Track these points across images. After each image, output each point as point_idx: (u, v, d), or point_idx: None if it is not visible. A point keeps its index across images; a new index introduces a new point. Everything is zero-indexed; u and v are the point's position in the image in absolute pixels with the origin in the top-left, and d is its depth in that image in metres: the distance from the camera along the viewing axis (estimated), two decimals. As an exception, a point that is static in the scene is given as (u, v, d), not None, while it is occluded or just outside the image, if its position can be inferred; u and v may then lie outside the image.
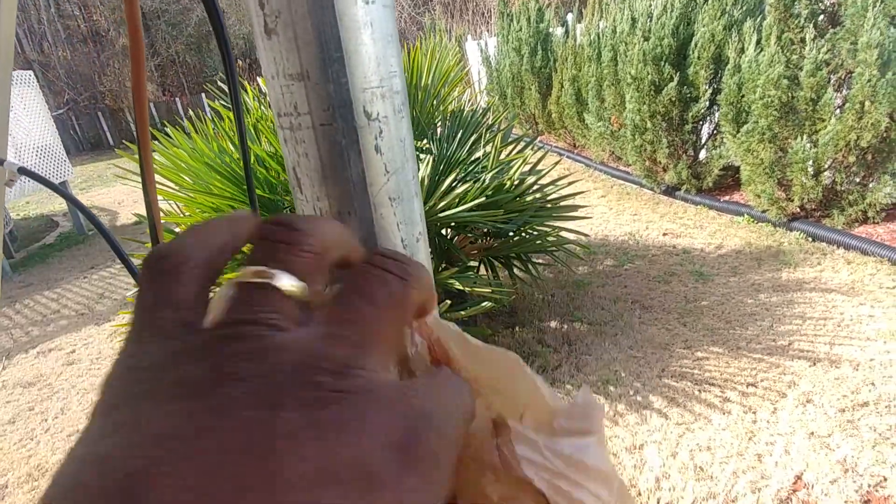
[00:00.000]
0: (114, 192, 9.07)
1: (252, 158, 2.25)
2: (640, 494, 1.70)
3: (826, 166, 3.44)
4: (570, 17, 7.06)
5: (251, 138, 2.28)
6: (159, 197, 2.36)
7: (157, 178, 2.26)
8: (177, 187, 2.22)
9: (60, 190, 0.52)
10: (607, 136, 5.36)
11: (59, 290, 4.54)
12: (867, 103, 3.08)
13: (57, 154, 6.33)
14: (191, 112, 2.89)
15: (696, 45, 4.14)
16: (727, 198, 4.32)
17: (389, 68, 0.25)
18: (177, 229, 2.51)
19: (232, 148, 2.25)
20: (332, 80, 0.23)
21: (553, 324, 2.82)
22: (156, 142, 2.44)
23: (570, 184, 2.91)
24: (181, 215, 2.31)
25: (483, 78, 9.01)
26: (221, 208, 2.10)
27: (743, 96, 3.76)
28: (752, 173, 3.74)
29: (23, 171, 0.54)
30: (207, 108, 2.75)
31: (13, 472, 2.23)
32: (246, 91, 2.57)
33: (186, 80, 21.21)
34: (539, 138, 7.39)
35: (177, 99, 18.73)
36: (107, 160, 12.75)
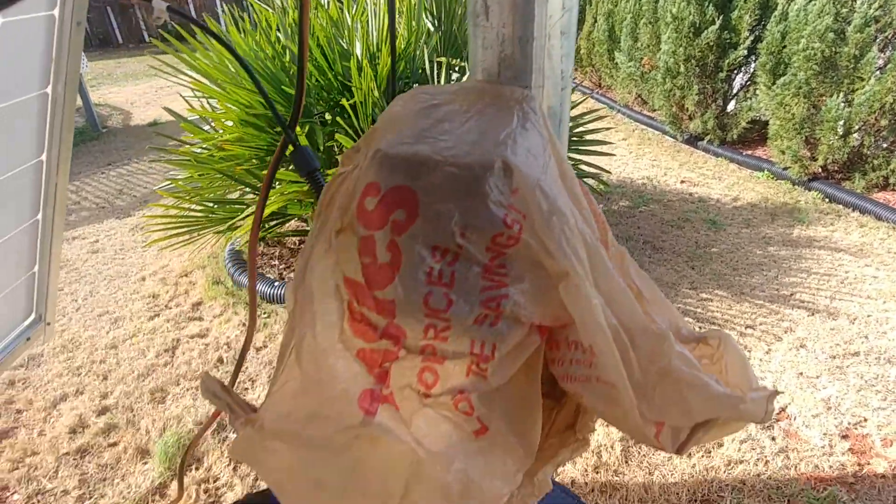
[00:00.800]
0: (125, 92, 8.92)
1: (287, 57, 2.24)
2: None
3: (856, 128, 3.40)
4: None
5: (288, 36, 2.26)
6: (196, 93, 2.36)
7: (192, 73, 2.26)
8: (211, 83, 2.22)
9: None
10: (636, 77, 5.22)
11: (77, 182, 4.60)
12: (911, 64, 3.00)
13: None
14: (226, 7, 2.83)
15: (744, -12, 3.96)
16: (750, 152, 4.28)
17: None
18: (206, 128, 2.53)
19: (268, 46, 2.23)
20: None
21: (564, 256, 2.90)
22: (190, 37, 2.41)
23: (596, 119, 2.90)
24: (212, 111, 2.33)
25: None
26: (254, 105, 2.11)
27: (784, 47, 3.64)
28: (781, 128, 3.69)
29: (171, 9, 0.57)
30: (221, 6, 2.70)
31: (49, 344, 2.38)
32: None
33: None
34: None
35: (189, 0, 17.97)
36: (116, 58, 12.41)
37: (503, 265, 0.29)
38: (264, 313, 2.53)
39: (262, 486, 1.63)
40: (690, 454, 1.70)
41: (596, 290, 0.29)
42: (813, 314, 2.34)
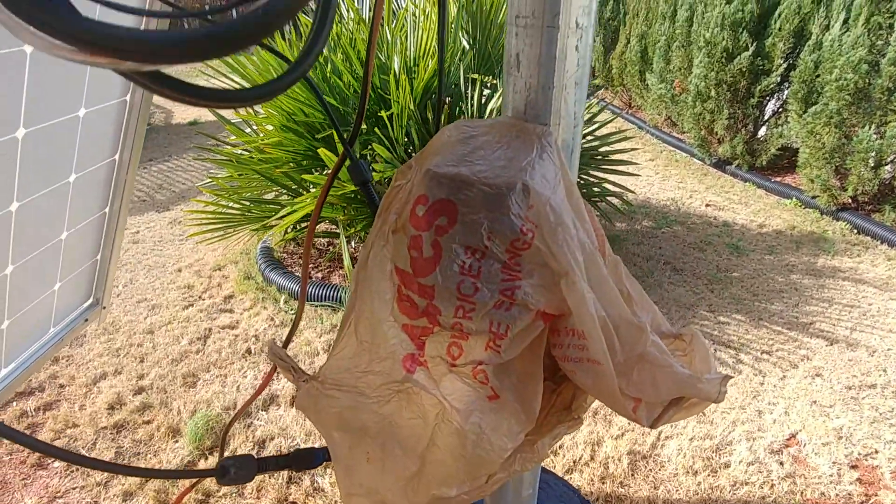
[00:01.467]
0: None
1: (329, 68, 2.36)
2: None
3: (888, 160, 3.38)
4: (650, -32, 6.72)
5: (331, 49, 2.38)
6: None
7: (232, 77, 2.40)
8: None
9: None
10: (666, 99, 5.26)
11: (121, 175, 4.83)
12: (947, 99, 2.99)
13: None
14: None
15: (779, 16, 3.98)
16: (778, 179, 4.28)
17: (592, 5, 0.37)
18: (247, 131, 2.67)
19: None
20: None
21: (585, 272, 2.95)
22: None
23: (621, 140, 2.96)
24: (255, 115, 2.46)
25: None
26: (295, 112, 2.23)
27: (818, 76, 3.65)
28: (811, 157, 3.69)
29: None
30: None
31: (90, 327, 2.53)
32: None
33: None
34: (596, 94, 7.24)
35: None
36: (164, 58, 12.88)
37: (518, 263, 0.38)
38: (291, 310, 2.64)
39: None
40: (697, 472, 1.73)
41: (589, 287, 0.37)
42: (832, 344, 2.34)
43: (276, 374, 2.09)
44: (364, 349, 0.44)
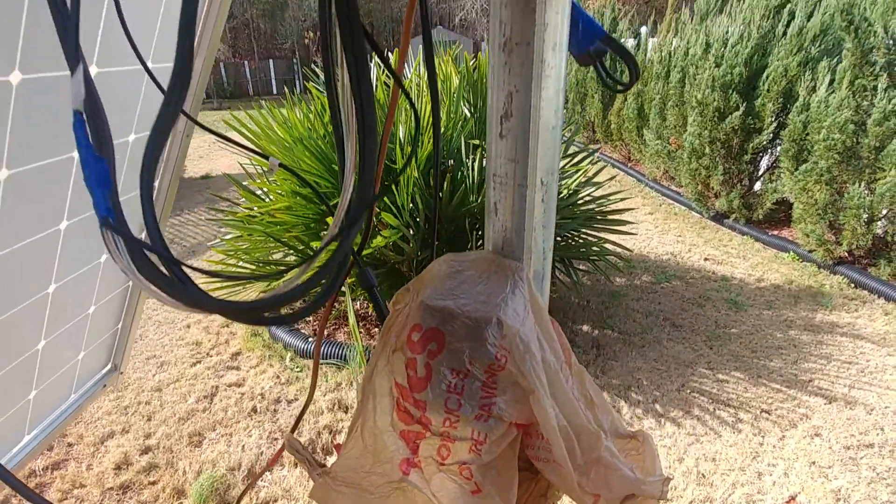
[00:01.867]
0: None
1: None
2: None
3: (880, 215, 3.47)
4: (643, 30, 7.07)
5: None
6: (249, 161, 2.63)
7: (245, 142, 2.55)
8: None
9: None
10: (663, 154, 5.43)
11: (135, 230, 4.98)
12: (930, 160, 3.10)
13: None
14: (285, 87, 3.18)
15: (767, 78, 4.18)
16: (775, 232, 4.36)
17: (554, 167, 0.46)
18: (258, 192, 2.80)
19: (321, 127, 2.51)
20: (530, 162, 0.45)
21: (585, 328, 3.00)
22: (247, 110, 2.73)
23: (621, 199, 3.07)
24: (268, 182, 2.60)
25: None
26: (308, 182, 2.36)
27: (807, 135, 3.80)
28: (805, 212, 3.79)
29: (282, 165, 0.78)
30: (299, 85, 3.03)
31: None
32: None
33: (257, 45, 21.96)
34: (595, 147, 7.46)
35: (245, 62, 19.46)
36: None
37: (495, 382, 0.46)
38: (297, 367, 2.69)
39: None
40: (698, 536, 1.73)
41: (553, 402, 0.45)
42: (830, 402, 2.36)
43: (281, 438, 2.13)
44: (368, 452, 0.52)
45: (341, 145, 0.43)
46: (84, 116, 0.27)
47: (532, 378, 0.44)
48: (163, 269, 0.29)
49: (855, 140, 3.46)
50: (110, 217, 0.27)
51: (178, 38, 0.28)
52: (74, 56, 0.27)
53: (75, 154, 0.96)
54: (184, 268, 0.30)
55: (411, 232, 2.28)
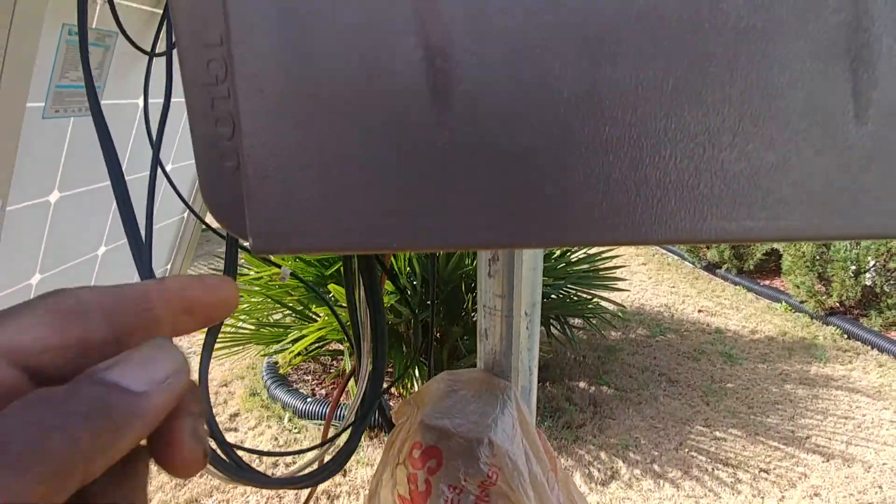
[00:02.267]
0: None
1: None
2: (645, 555, 1.87)
3: (867, 267, 3.56)
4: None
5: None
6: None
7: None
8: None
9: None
10: (655, 206, 5.56)
11: (134, 285, 5.02)
12: (910, 215, 3.21)
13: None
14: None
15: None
16: (767, 282, 4.44)
17: (536, 300, 0.53)
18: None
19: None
20: (515, 297, 0.52)
21: (582, 384, 3.02)
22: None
23: (614, 256, 3.16)
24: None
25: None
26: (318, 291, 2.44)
27: (790, 190, 3.93)
28: (794, 264, 3.88)
29: (293, 275, 0.85)
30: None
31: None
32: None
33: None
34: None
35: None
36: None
37: (488, 496, 0.51)
38: (295, 428, 2.69)
39: None
40: None
41: (540, 513, 0.50)
42: (828, 460, 2.37)
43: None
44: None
45: (358, 343, 0.50)
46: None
47: (520, 494, 0.49)
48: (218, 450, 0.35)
49: (837, 195, 3.59)
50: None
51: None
52: (148, 271, 0.34)
53: (101, 251, 1.03)
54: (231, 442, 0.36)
55: (409, 294, 2.34)
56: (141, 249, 0.36)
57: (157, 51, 0.74)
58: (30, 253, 0.78)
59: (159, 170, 0.66)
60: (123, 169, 0.96)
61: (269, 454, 2.34)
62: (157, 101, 0.89)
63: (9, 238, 0.70)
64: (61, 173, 0.75)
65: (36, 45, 0.54)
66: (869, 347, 3.42)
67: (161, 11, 0.77)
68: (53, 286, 0.93)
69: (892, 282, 3.54)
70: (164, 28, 0.75)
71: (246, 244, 0.32)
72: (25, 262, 0.80)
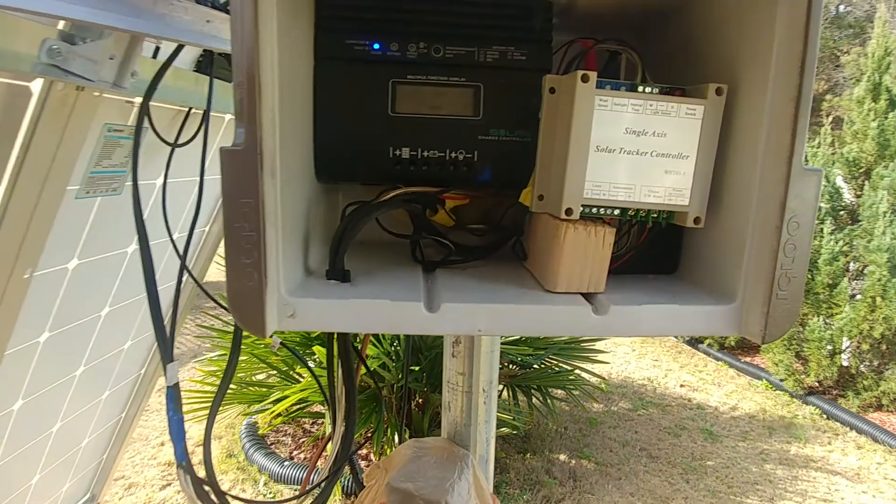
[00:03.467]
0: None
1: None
2: None
3: (842, 348, 3.65)
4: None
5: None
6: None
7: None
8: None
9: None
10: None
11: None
12: (878, 299, 3.35)
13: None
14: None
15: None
16: (748, 359, 4.50)
17: (494, 378, 0.61)
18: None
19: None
20: (474, 375, 0.60)
21: (562, 457, 3.01)
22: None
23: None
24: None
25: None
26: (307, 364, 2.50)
27: (766, 269, 4.08)
28: (772, 343, 3.96)
29: (283, 344, 0.92)
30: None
31: None
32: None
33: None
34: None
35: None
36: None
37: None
38: (270, 493, 2.64)
39: None
40: None
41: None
42: (806, 544, 2.35)
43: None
44: None
45: (334, 409, 0.58)
46: (173, 391, 0.42)
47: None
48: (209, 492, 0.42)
49: (810, 276, 3.74)
50: (184, 461, 0.40)
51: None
52: (169, 356, 0.42)
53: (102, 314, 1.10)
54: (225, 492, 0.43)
55: (391, 360, 2.39)
56: (164, 334, 0.43)
57: (179, 142, 0.86)
58: (42, 314, 0.85)
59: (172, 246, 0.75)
60: (135, 238, 1.05)
61: (249, 502, 2.30)
62: (174, 180, 1.00)
63: (27, 301, 0.78)
64: (83, 243, 0.84)
65: (82, 143, 0.64)
66: (847, 429, 3.45)
67: (185, 109, 0.89)
68: (58, 345, 1.00)
69: (866, 363, 3.63)
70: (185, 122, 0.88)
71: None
72: (37, 322, 0.87)
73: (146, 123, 0.86)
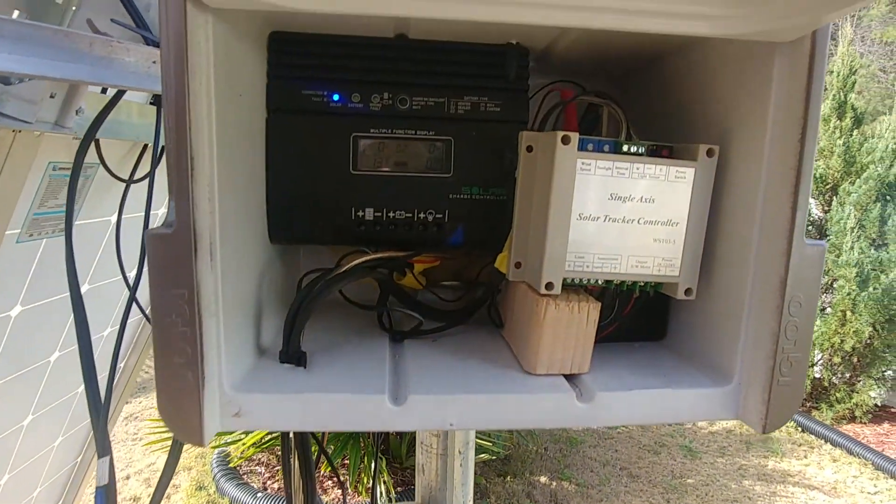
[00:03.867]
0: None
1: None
2: None
3: (815, 361, 3.70)
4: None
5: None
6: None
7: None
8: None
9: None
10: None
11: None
12: (848, 313, 3.41)
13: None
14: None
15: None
16: (724, 372, 4.54)
17: (470, 441, 0.56)
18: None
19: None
20: (449, 436, 0.54)
21: (543, 479, 2.96)
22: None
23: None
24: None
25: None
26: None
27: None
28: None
29: None
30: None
31: None
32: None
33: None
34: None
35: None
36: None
37: None
38: (241, 528, 2.53)
39: None
40: None
41: None
42: (787, 565, 2.34)
43: None
44: None
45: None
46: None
47: None
48: None
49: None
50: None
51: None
52: (104, 447, 0.36)
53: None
54: None
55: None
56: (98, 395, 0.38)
57: (135, 178, 0.80)
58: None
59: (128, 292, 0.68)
60: (88, 277, 0.98)
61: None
62: (131, 216, 0.93)
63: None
64: (26, 288, 0.76)
65: (22, 185, 0.57)
66: (822, 441, 3.48)
67: (142, 144, 0.83)
68: (5, 394, 0.91)
69: (838, 375, 3.69)
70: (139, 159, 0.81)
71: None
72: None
73: (97, 160, 0.80)
